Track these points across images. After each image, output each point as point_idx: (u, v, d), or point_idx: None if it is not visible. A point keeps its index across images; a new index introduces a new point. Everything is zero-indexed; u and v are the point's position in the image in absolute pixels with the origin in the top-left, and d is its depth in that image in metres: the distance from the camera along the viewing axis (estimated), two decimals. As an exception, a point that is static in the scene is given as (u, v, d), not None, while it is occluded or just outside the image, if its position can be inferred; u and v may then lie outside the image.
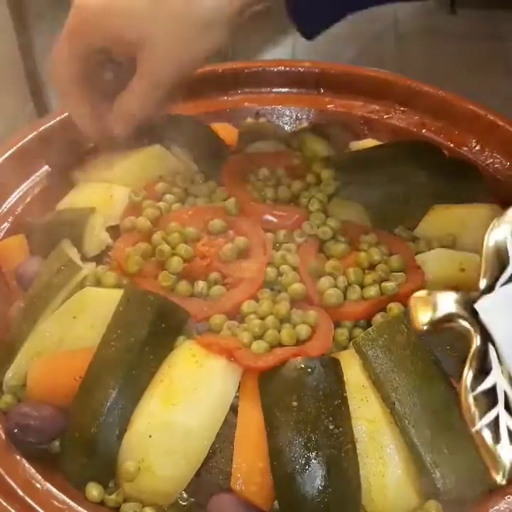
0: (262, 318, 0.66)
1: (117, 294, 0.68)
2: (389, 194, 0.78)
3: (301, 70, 1.01)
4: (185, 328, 0.68)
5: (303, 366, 0.61)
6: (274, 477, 0.58)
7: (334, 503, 0.57)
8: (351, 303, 0.69)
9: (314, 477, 0.57)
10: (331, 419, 0.59)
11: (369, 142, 0.92)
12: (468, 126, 0.91)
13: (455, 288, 0.71)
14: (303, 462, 0.57)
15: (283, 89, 1.02)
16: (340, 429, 0.59)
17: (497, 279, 0.54)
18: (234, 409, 0.63)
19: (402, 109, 0.96)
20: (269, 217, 0.77)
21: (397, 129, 0.94)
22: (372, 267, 0.72)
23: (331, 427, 0.59)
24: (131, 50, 0.70)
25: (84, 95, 0.75)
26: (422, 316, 0.52)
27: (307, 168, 0.83)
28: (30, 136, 0.89)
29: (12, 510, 0.56)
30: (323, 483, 0.57)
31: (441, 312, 0.52)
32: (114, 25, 0.68)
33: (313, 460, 0.57)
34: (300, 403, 0.60)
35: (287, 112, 1.00)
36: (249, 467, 0.59)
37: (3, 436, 0.63)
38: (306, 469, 0.57)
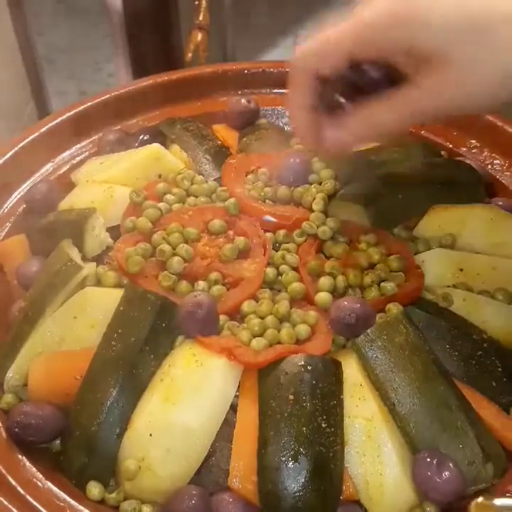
0: (262, 318, 0.66)
1: (118, 294, 0.68)
2: (388, 194, 0.78)
3: (301, 71, 1.01)
4: (186, 327, 0.68)
5: (303, 363, 0.62)
6: (259, 465, 0.59)
7: (313, 502, 0.57)
8: (351, 303, 0.69)
9: (299, 471, 0.57)
10: (324, 417, 0.59)
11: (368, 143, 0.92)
12: (467, 127, 0.91)
13: (453, 287, 0.71)
14: (291, 454, 0.58)
15: (283, 90, 1.02)
16: (333, 429, 0.59)
17: None
18: (234, 408, 0.63)
19: (401, 109, 0.96)
20: (269, 218, 0.78)
21: (396, 130, 0.94)
22: (371, 266, 0.72)
23: (324, 425, 0.59)
24: (413, 64, 0.57)
25: (313, 97, 0.63)
26: None
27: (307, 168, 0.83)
28: (31, 137, 0.89)
29: (13, 508, 0.56)
30: (307, 479, 0.57)
31: None
32: (414, 35, 0.55)
33: (301, 454, 0.58)
34: (296, 397, 0.60)
35: (287, 113, 1.00)
36: (246, 466, 0.59)
37: (5, 435, 0.63)
38: (293, 462, 0.58)
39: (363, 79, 0.63)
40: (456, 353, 0.66)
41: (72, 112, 0.93)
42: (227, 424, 0.62)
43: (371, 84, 0.62)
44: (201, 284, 0.70)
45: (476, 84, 0.55)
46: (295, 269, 0.72)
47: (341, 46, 0.59)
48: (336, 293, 0.70)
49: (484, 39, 0.54)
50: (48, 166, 0.91)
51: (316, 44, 0.61)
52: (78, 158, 0.92)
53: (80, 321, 0.68)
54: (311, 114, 0.64)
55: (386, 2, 0.57)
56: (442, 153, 0.91)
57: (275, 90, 1.02)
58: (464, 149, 0.90)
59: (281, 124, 0.99)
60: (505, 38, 0.53)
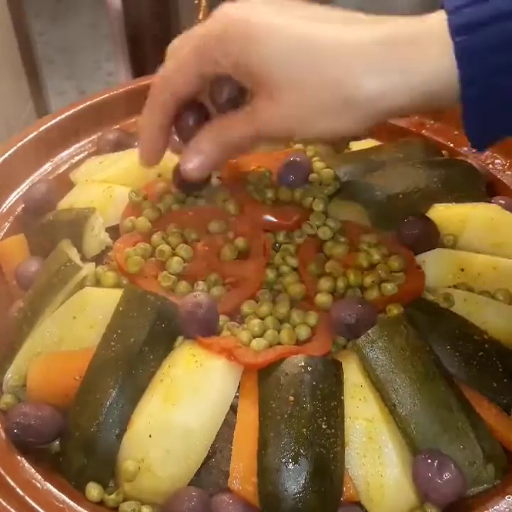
0: (262, 319, 0.66)
1: (117, 294, 0.68)
2: (389, 194, 0.78)
3: (301, 70, 1.01)
4: (185, 328, 0.68)
5: (303, 363, 0.61)
6: (259, 466, 0.58)
7: (313, 503, 0.57)
8: (351, 303, 0.69)
9: (300, 472, 0.57)
10: (325, 418, 0.59)
11: (369, 142, 0.92)
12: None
13: (453, 288, 0.71)
14: (291, 455, 0.58)
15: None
16: (333, 430, 0.59)
17: None
18: (234, 409, 0.63)
19: (401, 109, 0.96)
20: (269, 217, 0.77)
21: (396, 129, 0.94)
22: (372, 267, 0.72)
23: (324, 426, 0.59)
24: (252, 83, 0.58)
25: (168, 116, 0.65)
26: None
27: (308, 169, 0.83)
28: (30, 137, 0.89)
29: (12, 509, 0.56)
30: (307, 481, 0.57)
31: None
32: (246, 54, 0.56)
33: (301, 456, 0.58)
34: (297, 398, 0.60)
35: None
36: (245, 467, 0.59)
37: (4, 436, 0.63)
38: (293, 463, 0.57)
39: (221, 99, 0.62)
40: (457, 354, 0.66)
41: (71, 112, 0.93)
42: (227, 425, 0.62)
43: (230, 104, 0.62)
44: (201, 284, 0.70)
45: (312, 110, 0.55)
46: (295, 269, 0.72)
47: (188, 63, 0.60)
48: (336, 293, 0.70)
49: (313, 65, 0.54)
50: (47, 166, 0.90)
51: (172, 63, 0.62)
52: (77, 158, 0.92)
53: (79, 321, 0.67)
54: (161, 132, 0.65)
55: (226, 16, 0.58)
56: (443, 152, 0.90)
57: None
58: (465, 149, 0.90)
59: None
60: (332, 65, 0.53)
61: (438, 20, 0.51)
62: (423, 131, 0.93)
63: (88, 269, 0.72)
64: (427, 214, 0.77)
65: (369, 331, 0.64)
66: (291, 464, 0.57)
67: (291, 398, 0.60)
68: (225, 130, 0.61)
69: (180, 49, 0.61)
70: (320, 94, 0.54)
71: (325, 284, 0.69)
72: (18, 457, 0.62)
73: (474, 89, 0.51)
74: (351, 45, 0.53)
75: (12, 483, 0.59)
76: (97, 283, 0.72)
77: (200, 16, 1.45)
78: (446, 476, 0.57)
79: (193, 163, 0.63)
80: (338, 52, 0.53)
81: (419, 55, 0.52)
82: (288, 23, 0.55)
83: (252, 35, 0.55)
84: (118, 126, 0.95)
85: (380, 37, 0.53)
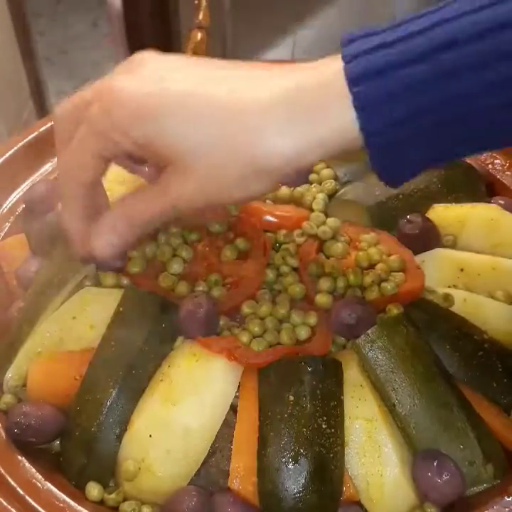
0: (262, 319, 0.66)
1: (117, 294, 0.68)
2: (388, 194, 0.78)
3: (301, 71, 1.01)
4: (185, 328, 0.68)
5: (303, 363, 0.62)
6: (259, 466, 0.58)
7: (313, 503, 0.57)
8: (351, 303, 0.69)
9: (300, 472, 0.57)
10: (324, 418, 0.59)
11: (369, 142, 0.92)
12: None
13: (453, 288, 0.71)
14: (291, 455, 0.58)
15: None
16: (333, 430, 0.59)
17: None
18: (234, 408, 0.63)
19: (401, 109, 0.96)
20: (269, 218, 0.77)
21: (396, 130, 0.94)
22: (371, 266, 0.72)
23: (324, 426, 0.59)
24: (161, 161, 0.55)
25: (86, 205, 0.61)
26: None
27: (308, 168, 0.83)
28: (30, 137, 0.89)
29: (13, 509, 0.56)
30: (307, 480, 0.57)
31: None
32: (161, 133, 0.51)
33: (301, 455, 0.58)
34: (297, 398, 0.60)
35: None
36: (246, 467, 0.59)
37: (4, 436, 0.63)
38: (293, 463, 0.58)
39: None
40: (457, 354, 0.66)
41: (71, 112, 0.93)
42: (227, 425, 0.62)
43: None
44: (201, 284, 0.70)
45: (225, 181, 0.52)
46: (295, 269, 0.72)
47: (87, 151, 0.56)
48: (336, 293, 0.70)
49: (220, 134, 0.50)
50: (48, 166, 0.90)
51: (69, 154, 0.57)
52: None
53: (80, 321, 0.67)
54: (85, 221, 0.61)
55: (113, 92, 0.53)
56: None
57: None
58: (465, 149, 0.90)
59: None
60: (241, 130, 0.50)
61: (337, 70, 0.49)
62: (423, 131, 0.93)
63: (88, 269, 0.72)
64: (426, 214, 0.77)
65: (369, 331, 0.64)
66: (291, 464, 0.58)
67: (291, 398, 0.60)
68: (137, 209, 0.58)
69: (70, 134, 0.56)
70: (231, 164, 0.51)
71: (325, 284, 0.69)
72: (19, 457, 0.62)
73: (377, 138, 0.49)
74: (258, 105, 0.49)
75: (12, 483, 0.59)
76: (98, 283, 0.72)
77: (201, 16, 1.45)
78: (446, 475, 0.58)
79: (104, 242, 0.59)
80: (246, 115, 0.49)
81: (324, 110, 0.49)
82: (186, 89, 0.51)
83: (147, 110, 0.51)
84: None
85: (284, 94, 0.50)
